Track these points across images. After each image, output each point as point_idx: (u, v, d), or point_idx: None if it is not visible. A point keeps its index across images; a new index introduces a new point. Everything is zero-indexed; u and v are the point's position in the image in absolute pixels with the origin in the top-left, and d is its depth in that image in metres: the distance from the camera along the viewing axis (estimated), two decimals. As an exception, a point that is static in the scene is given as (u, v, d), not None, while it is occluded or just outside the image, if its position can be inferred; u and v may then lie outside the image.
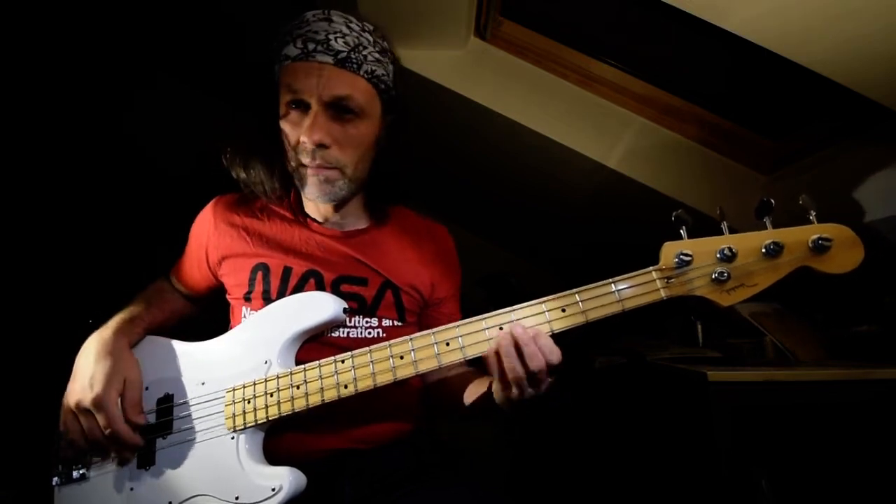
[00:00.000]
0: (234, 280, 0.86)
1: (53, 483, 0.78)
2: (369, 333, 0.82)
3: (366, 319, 0.83)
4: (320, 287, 0.82)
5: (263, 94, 0.82)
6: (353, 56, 0.76)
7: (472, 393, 0.81)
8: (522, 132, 1.62)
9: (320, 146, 0.77)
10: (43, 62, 2.00)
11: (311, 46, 0.75)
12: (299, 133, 0.77)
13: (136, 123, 2.30)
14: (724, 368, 1.08)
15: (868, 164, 1.16)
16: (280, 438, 0.75)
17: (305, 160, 0.78)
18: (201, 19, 1.89)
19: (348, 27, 0.77)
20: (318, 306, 0.76)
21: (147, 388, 0.79)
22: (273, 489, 0.67)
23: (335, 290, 0.82)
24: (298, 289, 0.82)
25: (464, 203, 2.46)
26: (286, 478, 0.68)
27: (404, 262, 0.89)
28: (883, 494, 1.05)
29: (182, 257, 0.96)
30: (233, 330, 0.81)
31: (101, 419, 0.73)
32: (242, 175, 0.85)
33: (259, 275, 0.83)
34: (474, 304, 0.92)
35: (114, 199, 2.23)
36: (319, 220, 0.89)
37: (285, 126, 0.80)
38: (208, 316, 1.01)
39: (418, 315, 0.92)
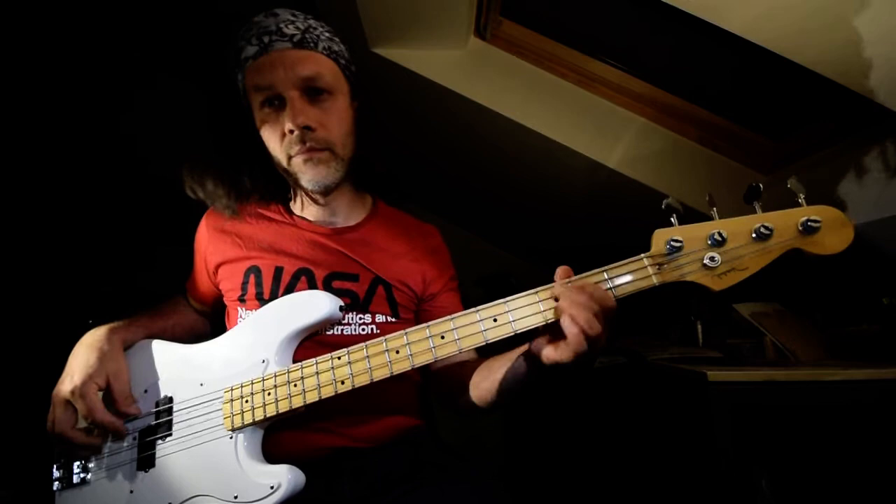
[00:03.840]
0: (229, 284, 0.87)
1: (54, 488, 0.78)
2: (363, 330, 0.83)
3: (359, 316, 0.83)
4: (312, 284, 0.83)
5: (227, 108, 0.83)
6: (307, 36, 0.78)
7: (496, 367, 0.74)
8: (522, 132, 1.62)
9: (306, 128, 0.77)
10: (42, 62, 2.00)
11: (266, 39, 0.77)
12: (282, 126, 0.77)
13: (136, 124, 2.30)
14: (724, 368, 1.08)
15: (868, 164, 1.16)
16: (279, 437, 0.75)
17: (295, 149, 0.78)
18: (202, 19, 1.90)
19: (293, 16, 0.80)
20: (314, 305, 0.76)
21: (146, 391, 0.79)
22: (271, 487, 0.67)
23: (327, 287, 0.82)
24: (291, 287, 0.82)
25: (464, 203, 2.46)
26: (284, 476, 0.68)
27: (394, 258, 0.89)
28: (883, 494, 1.05)
29: (192, 271, 0.98)
30: (230, 331, 0.82)
31: (80, 408, 0.73)
32: (200, 193, 0.86)
33: (251, 277, 0.84)
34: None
35: (114, 199, 2.24)
36: (310, 219, 0.90)
37: (266, 129, 0.80)
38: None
39: (414, 312, 0.92)
